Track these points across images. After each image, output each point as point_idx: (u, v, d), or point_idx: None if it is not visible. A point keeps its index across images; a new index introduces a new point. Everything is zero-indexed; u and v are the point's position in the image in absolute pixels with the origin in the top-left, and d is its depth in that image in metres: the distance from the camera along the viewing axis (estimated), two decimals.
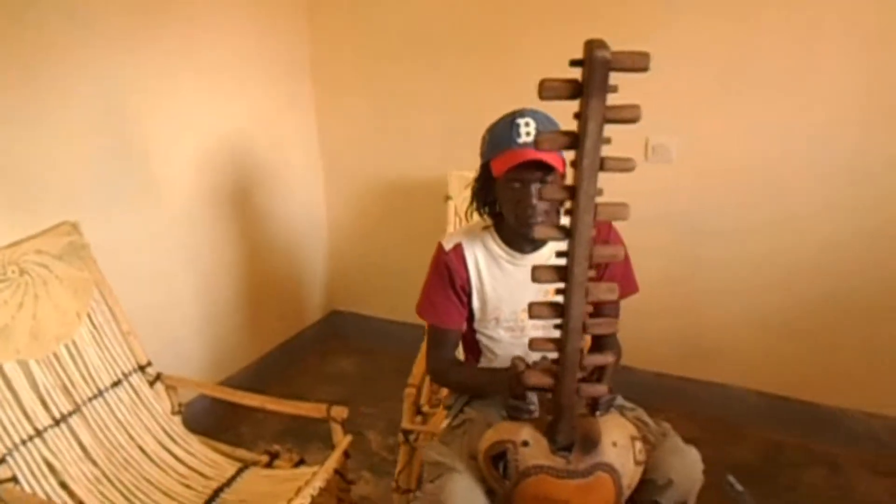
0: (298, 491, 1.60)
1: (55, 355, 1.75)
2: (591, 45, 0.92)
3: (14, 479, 1.56)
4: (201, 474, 1.85)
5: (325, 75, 2.77)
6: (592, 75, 0.93)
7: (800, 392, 2.24)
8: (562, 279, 1.16)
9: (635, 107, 0.99)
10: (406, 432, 1.88)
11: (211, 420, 2.35)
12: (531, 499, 1.36)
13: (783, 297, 2.17)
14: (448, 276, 1.60)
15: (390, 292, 2.88)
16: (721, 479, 2.09)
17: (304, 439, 2.40)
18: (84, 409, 1.77)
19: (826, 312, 2.12)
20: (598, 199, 1.10)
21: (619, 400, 1.63)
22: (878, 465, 2.14)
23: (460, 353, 1.82)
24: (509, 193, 1.46)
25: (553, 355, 1.26)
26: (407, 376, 1.97)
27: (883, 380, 2.12)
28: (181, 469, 1.85)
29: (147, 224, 2.20)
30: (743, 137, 2.10)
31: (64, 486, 1.65)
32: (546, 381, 1.29)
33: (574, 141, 1.00)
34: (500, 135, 1.47)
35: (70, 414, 1.73)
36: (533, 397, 1.43)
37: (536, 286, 1.56)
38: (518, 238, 1.57)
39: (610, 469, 1.34)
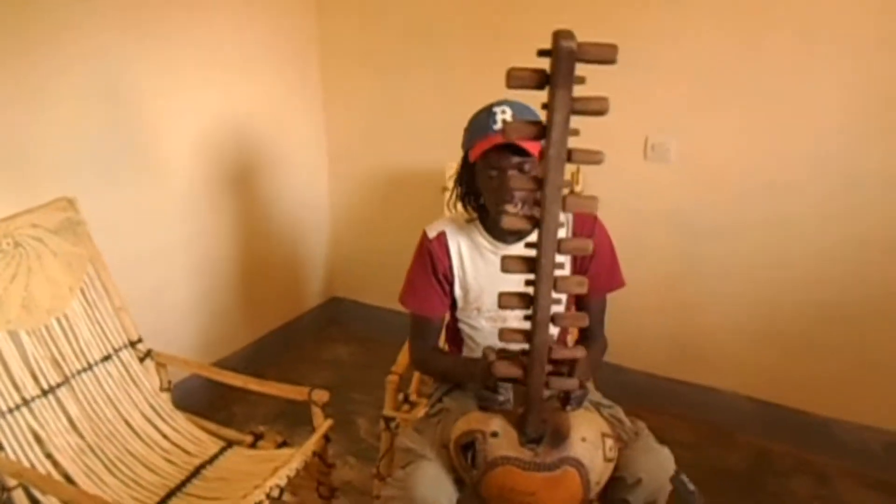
0: (275, 471, 1.62)
1: (46, 327, 1.78)
2: (558, 36, 0.92)
3: None
4: (185, 451, 1.88)
5: (334, 63, 2.78)
6: (558, 66, 0.93)
7: (792, 400, 2.21)
8: (530, 270, 1.15)
9: (603, 99, 0.98)
10: (388, 419, 1.89)
11: (205, 399, 2.39)
12: (497, 489, 1.36)
13: (777, 302, 2.14)
14: (430, 263, 1.61)
15: (390, 281, 2.86)
16: (707, 483, 2.08)
17: (294, 422, 2.42)
18: (73, 381, 1.80)
19: (820, 320, 2.09)
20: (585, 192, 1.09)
21: (597, 397, 1.63)
22: (868, 477, 2.11)
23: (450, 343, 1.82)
24: (487, 181, 1.47)
25: (523, 346, 1.26)
26: None
27: (877, 392, 2.09)
28: (165, 444, 1.88)
29: (146, 203, 2.23)
30: (741, 139, 2.07)
31: (49, 455, 1.69)
32: (515, 372, 1.28)
33: (542, 131, 1.00)
34: (478, 123, 1.47)
35: (58, 385, 1.76)
36: (507, 389, 1.43)
37: (518, 277, 1.56)
38: (501, 228, 1.57)
39: (577, 464, 1.33)
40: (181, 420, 1.96)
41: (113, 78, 2.07)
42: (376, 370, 2.80)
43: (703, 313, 2.28)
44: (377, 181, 2.86)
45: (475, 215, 1.59)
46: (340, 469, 2.25)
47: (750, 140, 2.06)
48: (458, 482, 1.43)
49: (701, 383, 2.35)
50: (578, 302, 1.65)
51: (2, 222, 1.73)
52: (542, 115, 1.50)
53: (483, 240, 1.59)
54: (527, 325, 1.24)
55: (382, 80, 2.68)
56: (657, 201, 2.23)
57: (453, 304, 1.66)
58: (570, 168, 2.30)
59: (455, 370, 1.60)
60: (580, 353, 1.29)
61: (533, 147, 1.41)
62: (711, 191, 2.15)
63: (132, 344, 1.95)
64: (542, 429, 1.35)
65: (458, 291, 1.63)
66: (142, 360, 1.96)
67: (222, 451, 1.88)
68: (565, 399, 1.38)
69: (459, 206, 1.62)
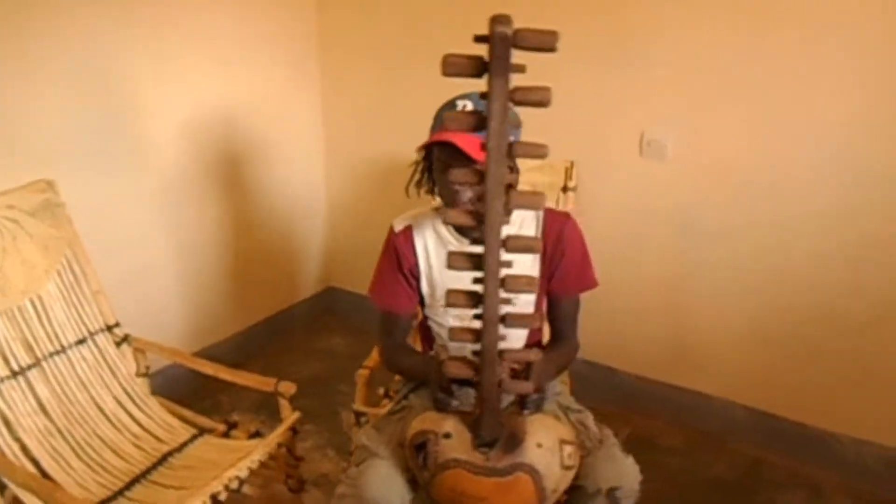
0: (238, 461, 1.59)
1: (19, 308, 1.77)
2: (494, 21, 0.86)
3: None
4: (155, 437, 1.87)
5: (333, 53, 2.74)
6: (494, 52, 0.87)
7: (788, 410, 2.12)
8: (477, 267, 1.10)
9: (545, 89, 0.92)
10: (358, 414, 1.85)
11: (191, 387, 2.37)
12: (448, 492, 1.32)
13: (775, 307, 2.05)
14: (396, 259, 1.56)
15: None
16: (695, 491, 2.01)
17: (277, 412, 2.40)
18: (44, 363, 1.79)
19: (820, 327, 1.99)
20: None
21: (567, 401, 1.57)
22: (863, 494, 2.01)
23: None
24: (439, 175, 1.42)
25: (475, 347, 1.21)
26: None
27: (878, 406, 1.99)
28: (136, 430, 1.87)
29: (132, 188, 2.22)
30: (739, 137, 1.98)
31: (14, 436, 1.69)
32: (467, 372, 1.24)
33: (482, 122, 0.94)
34: (439, 116, 1.42)
35: (29, 367, 1.76)
36: (467, 390, 1.38)
37: None
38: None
39: (531, 470, 1.28)
40: (155, 406, 1.95)
41: (102, 63, 2.07)
42: None
43: (698, 316, 2.20)
44: (374, 171, 2.82)
45: (441, 202, 1.55)
46: (319, 461, 2.23)
47: (749, 138, 1.97)
48: (413, 482, 1.39)
49: (694, 388, 2.27)
50: (550, 302, 1.59)
51: None
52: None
53: (448, 234, 1.54)
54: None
55: (381, 71, 2.63)
56: (653, 199, 2.15)
57: (422, 301, 1.61)
58: (564, 164, 2.24)
59: (416, 368, 1.56)
60: (534, 355, 1.24)
61: (471, 144, 1.34)
62: (709, 189, 2.06)
63: (109, 328, 1.94)
64: (496, 432, 1.30)
65: (424, 288, 1.58)
66: (118, 344, 1.95)
67: (193, 438, 1.87)
68: (522, 402, 1.33)
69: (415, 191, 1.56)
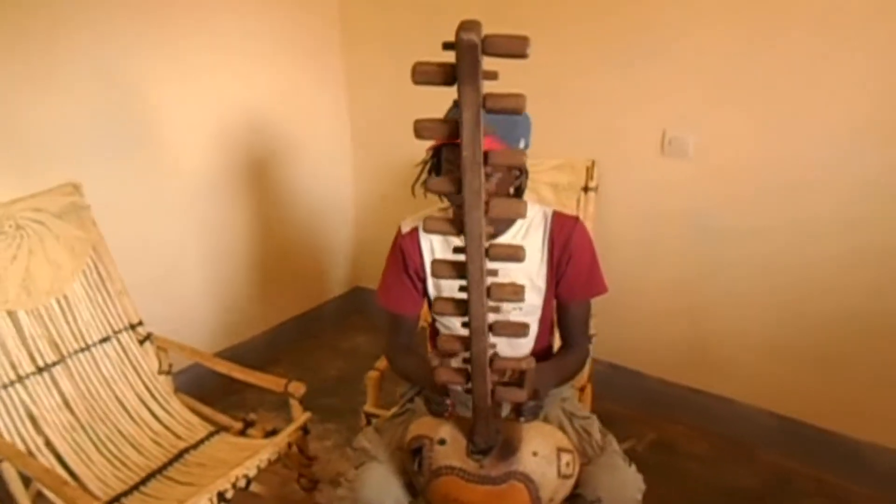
0: (245, 460, 1.62)
1: (45, 308, 1.84)
2: (460, 28, 0.85)
3: None
4: (174, 434, 1.91)
5: (356, 48, 2.75)
6: (461, 60, 0.86)
7: (818, 418, 2.03)
8: (461, 276, 1.09)
9: (519, 96, 0.90)
10: (369, 416, 1.86)
11: (218, 384, 2.41)
12: (441, 498, 1.31)
13: (799, 310, 1.97)
14: (402, 260, 1.56)
15: None
16: (717, 501, 1.95)
17: (307, 411, 2.43)
18: (69, 360, 1.85)
19: (846, 332, 1.90)
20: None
21: (572, 407, 1.54)
22: None
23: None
24: (448, 177, 1.40)
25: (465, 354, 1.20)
26: None
27: None
28: (156, 426, 1.92)
29: (158, 190, 2.28)
30: (763, 136, 1.90)
31: (40, 431, 1.75)
32: (458, 379, 1.22)
33: (455, 130, 0.93)
34: (448, 113, 1.40)
35: (54, 364, 1.82)
36: (462, 396, 1.37)
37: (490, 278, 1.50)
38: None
39: (525, 479, 1.26)
40: (176, 404, 2.00)
41: (127, 69, 2.12)
42: None
43: (721, 319, 2.13)
44: (401, 170, 2.81)
45: (446, 205, 1.53)
46: (338, 461, 2.24)
47: (770, 137, 1.89)
48: (411, 486, 1.39)
49: (719, 394, 2.20)
50: (558, 308, 1.56)
51: (5, 206, 1.80)
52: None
53: (454, 238, 1.53)
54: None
55: (407, 66, 2.62)
56: (674, 199, 2.09)
57: (430, 302, 1.61)
58: (585, 164, 2.20)
59: (416, 371, 1.55)
60: (526, 363, 1.22)
61: (495, 148, 1.32)
62: (731, 189, 1.99)
63: (132, 327, 1.99)
64: (492, 440, 1.28)
65: (431, 290, 1.57)
66: (141, 342, 2.00)
67: (209, 436, 1.91)
68: (518, 410, 1.31)
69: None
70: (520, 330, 1.15)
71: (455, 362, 1.29)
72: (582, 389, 2.22)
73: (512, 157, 0.96)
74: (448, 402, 1.32)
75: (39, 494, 1.65)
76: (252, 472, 1.62)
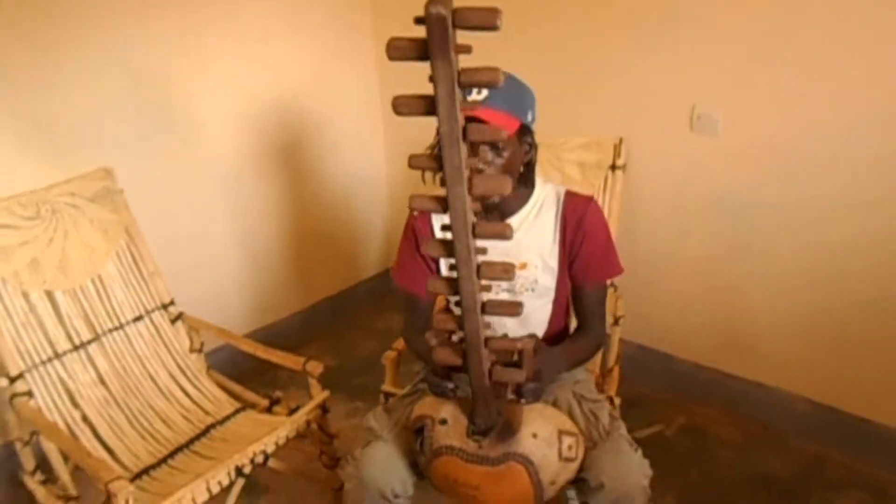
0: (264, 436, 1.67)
1: (81, 288, 1.92)
2: (429, 1, 0.83)
3: (29, 394, 1.76)
4: (203, 410, 1.98)
5: (388, 25, 2.74)
6: (432, 34, 0.84)
7: (854, 406, 1.95)
8: (450, 255, 1.08)
9: (493, 70, 0.88)
10: (387, 395, 1.88)
11: (251, 362, 2.47)
12: (442, 478, 1.33)
13: (836, 291, 1.88)
14: (415, 240, 1.57)
15: None
16: (745, 487, 1.90)
17: (335, 389, 2.47)
18: (104, 338, 1.94)
19: (883, 317, 1.81)
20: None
21: (583, 390, 1.51)
22: None
23: None
24: None
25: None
26: None
27: None
28: (186, 402, 1.99)
29: (191, 174, 2.33)
30: (794, 112, 1.81)
31: (76, 405, 1.84)
32: (454, 359, 1.22)
33: (432, 106, 0.92)
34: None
35: (90, 342, 1.91)
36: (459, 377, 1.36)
37: (500, 255, 1.49)
38: (490, 207, 1.49)
39: (525, 460, 1.26)
40: (206, 381, 2.06)
41: (151, 51, 2.16)
42: None
43: (752, 300, 2.05)
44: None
45: None
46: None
47: (804, 113, 1.80)
48: (415, 466, 1.40)
49: (752, 378, 2.13)
50: (573, 289, 1.54)
51: (41, 191, 1.89)
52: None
53: None
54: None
55: None
56: (703, 176, 2.02)
57: None
58: (612, 142, 2.14)
59: (427, 352, 1.55)
60: (522, 344, 1.21)
61: (495, 118, 1.31)
62: (761, 166, 1.91)
63: (164, 306, 2.06)
64: (492, 420, 1.28)
65: (444, 270, 1.57)
66: (173, 321, 2.07)
67: (236, 412, 1.97)
68: (518, 391, 1.30)
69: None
70: (512, 309, 1.14)
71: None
72: (609, 372, 2.19)
73: (492, 133, 0.94)
74: (450, 383, 1.32)
75: (78, 466, 1.74)
76: (270, 448, 1.67)
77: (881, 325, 1.84)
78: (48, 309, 1.86)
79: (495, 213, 1.49)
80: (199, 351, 2.11)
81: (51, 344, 1.84)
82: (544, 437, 1.28)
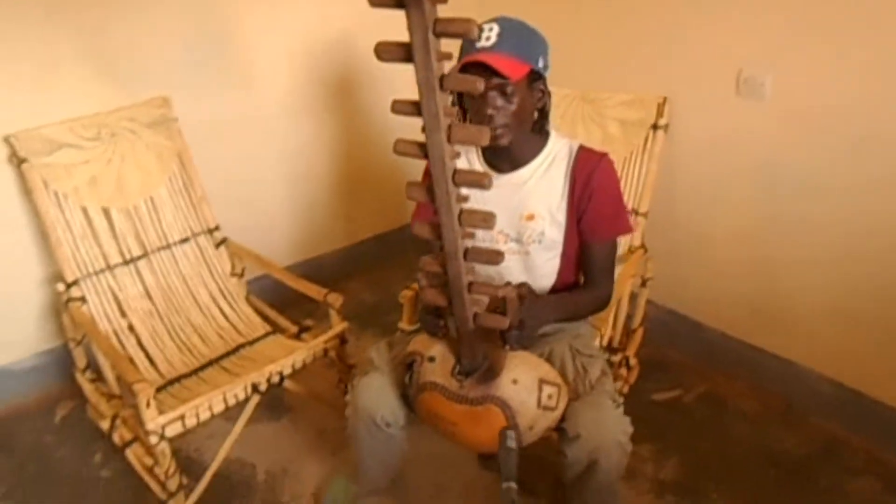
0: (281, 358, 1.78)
1: (135, 207, 2.08)
2: None
3: (83, 300, 1.94)
4: (237, 330, 2.13)
5: None
6: None
7: (880, 391, 1.88)
8: (433, 199, 1.12)
9: (466, 21, 0.90)
10: (403, 332, 1.95)
11: (293, 292, 2.60)
12: (426, 412, 1.40)
13: (874, 276, 1.79)
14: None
15: None
16: (756, 461, 1.89)
17: (364, 324, 2.59)
18: (152, 256, 2.10)
19: None
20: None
21: (580, 343, 1.53)
22: None
23: None
24: (469, 102, 1.41)
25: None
26: None
27: None
28: (222, 322, 2.14)
29: (243, 107, 2.43)
30: (849, 80, 1.69)
31: (123, 314, 2.02)
32: (440, 300, 1.27)
33: (410, 54, 0.95)
34: (468, 40, 1.40)
35: (139, 258, 2.07)
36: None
37: (511, 208, 1.53)
38: (496, 156, 1.51)
39: (502, 404, 1.31)
40: (243, 304, 2.21)
41: None
42: None
43: (786, 276, 1.99)
44: None
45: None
46: None
47: (861, 82, 1.68)
48: (406, 398, 1.47)
49: (778, 354, 2.08)
50: (581, 245, 1.54)
51: (102, 115, 2.03)
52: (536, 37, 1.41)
53: (479, 166, 1.55)
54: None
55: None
56: (747, 144, 1.95)
57: None
58: (656, 100, 2.09)
59: None
60: (505, 291, 1.24)
61: (506, 66, 1.31)
62: (809, 137, 1.81)
63: (209, 231, 2.20)
64: (477, 363, 1.33)
65: None
66: (217, 246, 2.21)
67: (265, 335, 2.10)
68: (504, 337, 1.34)
69: None
70: (494, 257, 1.17)
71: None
72: (632, 333, 2.20)
73: (467, 83, 0.97)
74: (440, 322, 1.37)
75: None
76: (287, 371, 1.78)
77: None
78: (104, 224, 2.02)
79: (507, 163, 1.51)
80: (240, 276, 2.25)
81: (104, 256, 2.01)
82: (525, 384, 1.32)
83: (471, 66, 1.34)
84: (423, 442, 1.59)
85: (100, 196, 2.01)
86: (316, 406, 2.07)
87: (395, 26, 2.94)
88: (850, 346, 1.92)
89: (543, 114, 1.47)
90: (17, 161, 1.90)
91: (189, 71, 2.27)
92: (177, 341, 2.04)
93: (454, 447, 1.47)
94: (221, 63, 2.34)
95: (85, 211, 1.99)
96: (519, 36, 1.36)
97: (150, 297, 2.07)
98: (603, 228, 1.51)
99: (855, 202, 1.79)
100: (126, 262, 2.05)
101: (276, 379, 1.76)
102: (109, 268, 2.02)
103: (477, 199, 1.56)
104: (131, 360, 1.93)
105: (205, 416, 1.63)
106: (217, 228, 2.21)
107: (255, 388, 1.71)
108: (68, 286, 1.93)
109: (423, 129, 1.03)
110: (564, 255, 1.56)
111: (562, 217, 1.51)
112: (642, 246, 2.11)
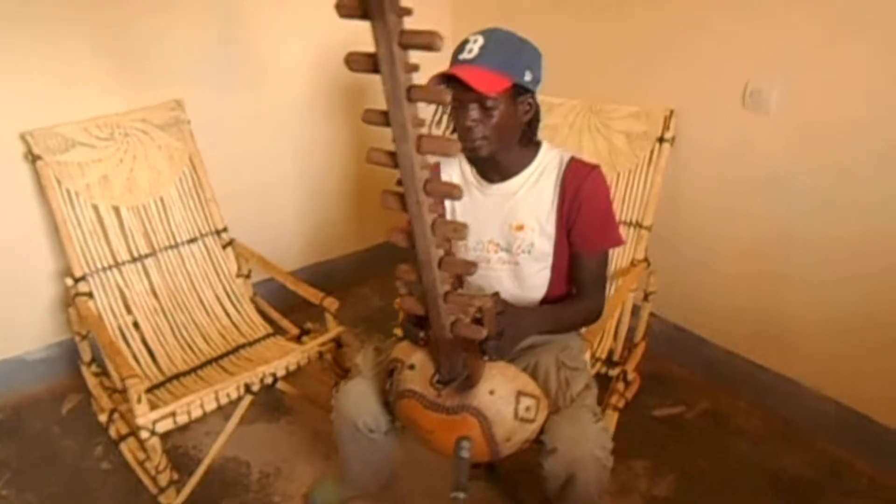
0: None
1: (144, 206, 2.13)
2: None
3: (90, 295, 2.00)
4: (238, 330, 2.16)
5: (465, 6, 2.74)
6: None
7: (885, 416, 1.82)
8: (404, 208, 1.13)
9: (431, 33, 0.90)
10: (396, 338, 1.96)
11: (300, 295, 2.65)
12: (405, 419, 1.41)
13: (880, 295, 1.75)
14: None
15: None
16: (755, 483, 1.85)
17: (372, 328, 2.61)
18: (160, 254, 2.14)
19: None
20: None
21: (566, 356, 1.51)
22: None
23: None
24: (453, 113, 1.42)
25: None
26: None
27: None
28: (225, 322, 2.17)
29: (255, 110, 2.46)
30: (856, 94, 1.66)
31: (128, 310, 2.06)
32: (418, 309, 1.28)
33: (377, 65, 0.96)
34: (455, 51, 1.40)
35: (147, 256, 2.12)
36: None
37: (501, 218, 1.53)
38: (486, 166, 1.51)
39: (477, 414, 1.31)
40: (247, 305, 2.24)
41: None
42: None
43: (793, 295, 1.94)
44: None
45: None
46: None
47: (868, 96, 1.65)
48: (389, 404, 1.48)
49: (783, 373, 2.04)
50: (571, 257, 1.53)
51: (116, 116, 2.09)
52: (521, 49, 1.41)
53: (471, 175, 1.55)
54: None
55: (511, 7, 2.57)
56: (752, 158, 1.91)
57: None
58: (663, 113, 2.06)
59: None
60: (481, 301, 1.24)
61: (479, 81, 1.31)
62: (814, 152, 1.78)
63: (217, 232, 2.24)
64: (455, 372, 1.33)
65: None
66: (224, 247, 2.25)
67: (266, 337, 2.13)
68: (481, 347, 1.34)
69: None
70: (467, 268, 1.17)
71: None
72: (634, 347, 2.17)
73: (436, 94, 0.97)
74: (420, 331, 1.38)
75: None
76: (280, 372, 1.80)
77: None
78: (113, 222, 2.07)
79: (496, 173, 1.51)
80: (247, 277, 2.28)
81: (112, 253, 2.06)
82: (501, 395, 1.32)
83: (451, 80, 1.34)
84: (416, 447, 1.58)
85: (111, 194, 2.06)
86: (313, 409, 2.08)
87: (412, 25, 2.93)
88: (856, 368, 1.87)
89: (531, 127, 1.46)
90: (32, 158, 1.96)
91: (204, 73, 2.31)
92: (179, 339, 2.08)
93: None
94: (236, 65, 2.38)
95: (96, 208, 2.04)
96: (503, 49, 1.35)
97: (155, 295, 2.12)
98: (592, 240, 1.50)
99: (864, 219, 1.74)
100: (134, 260, 2.10)
101: (268, 380, 1.78)
102: (117, 265, 2.06)
103: (468, 209, 1.58)
104: (134, 357, 1.98)
105: (196, 413, 1.66)
106: (225, 229, 2.25)
107: (247, 388, 1.74)
108: (76, 281, 1.98)
109: (393, 140, 1.03)
110: (555, 267, 1.55)
111: (551, 228, 1.50)
112: (645, 259, 2.08)
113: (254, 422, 2.12)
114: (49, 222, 2.10)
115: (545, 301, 1.58)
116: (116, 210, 2.08)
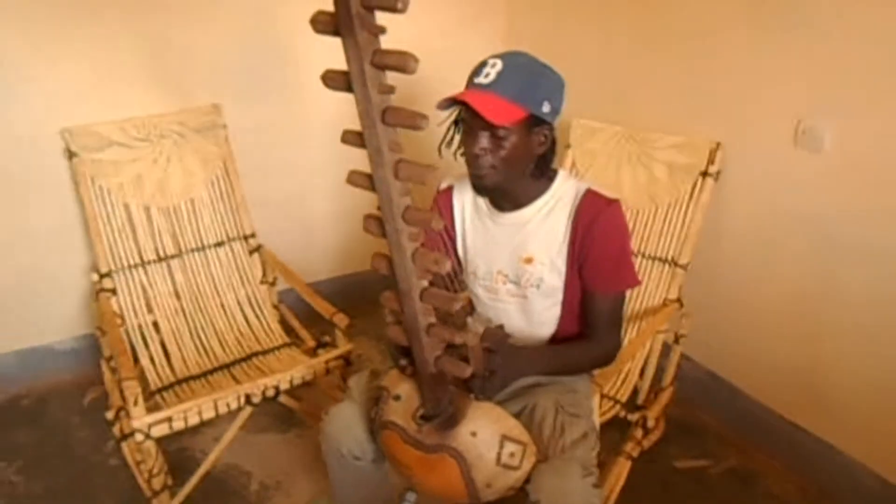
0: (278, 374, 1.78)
1: (174, 208, 2.15)
2: None
3: (113, 291, 2.03)
4: (256, 337, 2.15)
5: (521, 2, 2.67)
6: (338, 11, 0.83)
7: None
8: (383, 235, 1.07)
9: (404, 54, 0.85)
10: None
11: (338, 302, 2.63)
12: (386, 451, 1.35)
13: None
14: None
15: None
16: None
17: None
18: (186, 256, 2.16)
19: None
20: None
21: (568, 400, 1.41)
22: None
23: None
24: (463, 138, 1.35)
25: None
26: None
27: None
28: (244, 328, 2.17)
29: (293, 118, 2.47)
30: None
31: (150, 309, 2.09)
32: (402, 339, 1.22)
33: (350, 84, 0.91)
34: (471, 73, 1.34)
35: (173, 256, 2.14)
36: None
37: (510, 249, 1.46)
38: (497, 194, 1.44)
39: (457, 455, 1.24)
40: (269, 312, 2.23)
41: (269, 2, 2.30)
42: None
43: (837, 349, 1.77)
44: None
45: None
46: None
47: None
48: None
49: (821, 437, 1.86)
50: (583, 295, 1.44)
51: (153, 117, 2.12)
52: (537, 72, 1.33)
53: (482, 203, 1.49)
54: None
55: (566, 27, 2.49)
56: (801, 198, 1.76)
57: (458, 262, 1.58)
58: (709, 145, 1.93)
59: None
60: (464, 338, 1.16)
61: (489, 109, 1.24)
62: (866, 196, 1.62)
63: (245, 237, 2.25)
64: (440, 408, 1.26)
65: (460, 251, 1.55)
66: (251, 252, 2.25)
67: (281, 347, 2.12)
68: (467, 385, 1.27)
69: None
70: (449, 303, 1.10)
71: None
72: (661, 391, 2.04)
73: (411, 119, 0.91)
74: (404, 360, 1.31)
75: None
76: (283, 385, 1.77)
77: None
78: (143, 221, 2.11)
79: (507, 202, 1.43)
80: (272, 284, 2.27)
81: (139, 252, 2.09)
82: (483, 438, 1.24)
83: (462, 104, 1.28)
84: None
85: (143, 194, 2.10)
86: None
87: (463, 54, 2.91)
88: None
89: (545, 159, 1.38)
90: (69, 154, 2.01)
91: (242, 79, 2.33)
92: (196, 342, 2.09)
93: None
94: (274, 74, 2.39)
95: (127, 207, 2.08)
96: (521, 76, 1.27)
97: (178, 296, 2.14)
98: (604, 280, 1.40)
99: None
100: (160, 260, 2.12)
101: (270, 392, 1.75)
102: (143, 263, 2.09)
103: (479, 236, 1.51)
104: (150, 358, 2.00)
105: (193, 420, 1.65)
106: (253, 235, 2.25)
107: (248, 398, 1.71)
108: (101, 277, 2.02)
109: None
110: (566, 304, 1.46)
111: (562, 263, 1.41)
112: (678, 300, 1.96)
113: (263, 432, 2.11)
114: (83, 218, 2.15)
115: (555, 339, 1.49)
116: (147, 210, 2.11)
